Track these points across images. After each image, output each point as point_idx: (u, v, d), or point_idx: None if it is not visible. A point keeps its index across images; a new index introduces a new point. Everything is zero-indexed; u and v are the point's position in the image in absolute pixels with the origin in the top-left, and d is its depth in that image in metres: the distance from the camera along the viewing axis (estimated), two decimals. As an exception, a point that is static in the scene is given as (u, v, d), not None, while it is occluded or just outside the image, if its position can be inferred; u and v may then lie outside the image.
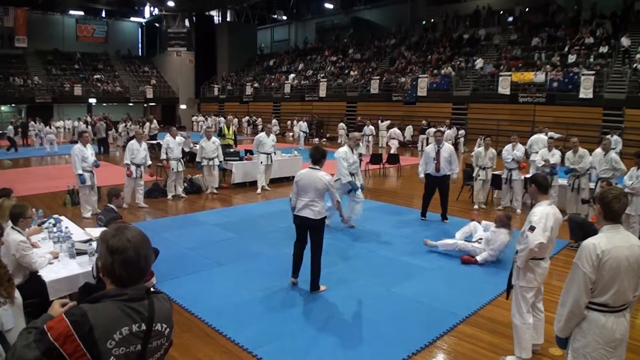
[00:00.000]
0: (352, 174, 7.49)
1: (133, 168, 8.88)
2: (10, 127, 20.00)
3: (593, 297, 2.57)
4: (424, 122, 20.77)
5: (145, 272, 1.58)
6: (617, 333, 2.57)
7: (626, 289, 2.54)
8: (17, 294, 2.92)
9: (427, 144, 19.33)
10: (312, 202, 4.86)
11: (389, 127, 20.87)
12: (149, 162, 9.24)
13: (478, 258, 6.00)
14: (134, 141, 9.12)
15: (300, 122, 22.45)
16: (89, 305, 1.47)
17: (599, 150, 7.99)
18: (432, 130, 19.12)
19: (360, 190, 7.62)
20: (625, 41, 18.44)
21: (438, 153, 7.79)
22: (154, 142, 17.37)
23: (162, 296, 1.65)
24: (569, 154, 8.34)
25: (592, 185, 8.33)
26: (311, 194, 4.85)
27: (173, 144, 9.83)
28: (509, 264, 3.95)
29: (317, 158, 5.00)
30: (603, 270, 2.50)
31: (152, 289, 3.90)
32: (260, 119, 28.11)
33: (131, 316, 1.48)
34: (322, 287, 5.09)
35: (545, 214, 3.50)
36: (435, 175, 7.87)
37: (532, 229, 3.47)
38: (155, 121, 20.94)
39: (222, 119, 30.54)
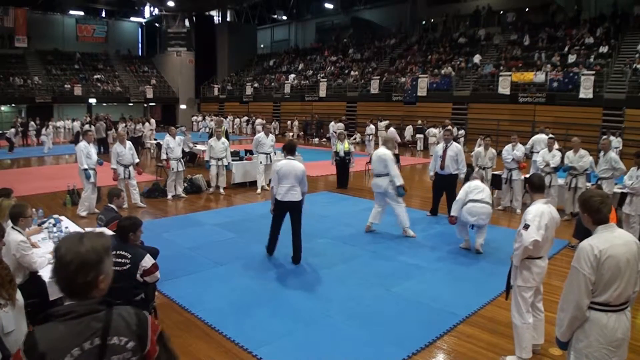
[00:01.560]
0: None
1: (121, 169, 8.88)
2: (12, 129, 20.20)
3: (594, 297, 2.56)
4: (419, 122, 20.74)
5: (92, 283, 1.47)
6: (618, 332, 2.57)
7: (627, 285, 2.55)
8: (19, 295, 2.92)
9: (426, 144, 19.41)
10: (292, 187, 5.66)
11: (387, 127, 20.83)
12: (137, 160, 9.24)
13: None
14: (117, 144, 9.10)
15: (337, 123, 21.40)
16: (40, 328, 1.46)
17: None
18: (433, 130, 19.16)
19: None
20: None
21: (445, 151, 7.94)
22: (154, 141, 17.40)
23: (128, 309, 1.54)
24: (570, 153, 8.36)
25: (589, 185, 8.34)
26: (291, 180, 5.65)
27: (173, 143, 9.84)
28: (508, 264, 3.94)
29: (293, 149, 5.97)
30: (602, 270, 2.50)
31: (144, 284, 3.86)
32: (259, 119, 28.08)
33: (82, 333, 1.42)
34: None
35: (540, 212, 3.51)
36: (441, 173, 8.03)
37: (526, 227, 3.48)
38: (140, 123, 20.70)
39: (194, 118, 30.38)
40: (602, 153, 8.03)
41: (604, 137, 10.45)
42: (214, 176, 10.36)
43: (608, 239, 2.55)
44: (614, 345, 2.56)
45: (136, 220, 3.99)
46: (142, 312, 1.59)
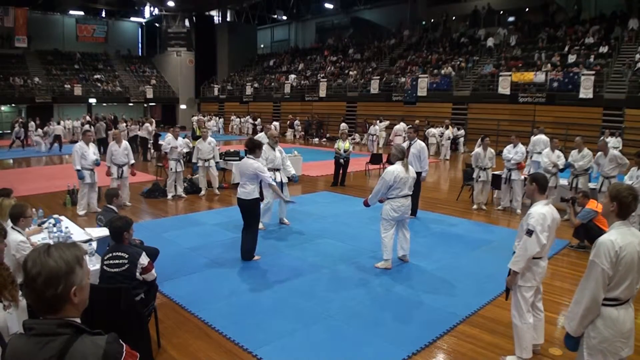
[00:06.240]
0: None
1: (114, 169, 8.86)
2: (17, 129, 20.43)
3: (606, 293, 2.63)
4: (417, 121, 20.74)
5: (63, 296, 1.36)
6: (628, 323, 2.66)
7: (635, 282, 2.63)
8: (21, 296, 2.91)
9: (426, 144, 19.36)
10: (243, 184, 6.20)
11: (387, 128, 20.89)
12: (132, 161, 9.17)
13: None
14: (112, 143, 9.06)
15: (381, 123, 20.85)
16: (15, 337, 1.43)
17: None
18: (433, 130, 19.15)
19: None
20: None
21: (408, 149, 7.84)
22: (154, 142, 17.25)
23: (98, 342, 1.36)
24: (574, 152, 8.43)
25: (591, 185, 8.36)
26: (243, 178, 6.22)
27: (174, 143, 9.83)
28: (508, 263, 3.94)
29: (252, 148, 6.30)
30: (619, 265, 2.56)
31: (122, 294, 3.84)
32: (259, 120, 28.08)
33: (40, 354, 1.33)
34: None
35: (542, 216, 3.50)
36: None
37: (529, 233, 3.47)
38: (139, 124, 20.61)
39: (194, 118, 30.24)
40: (599, 154, 8.01)
41: (600, 138, 10.45)
42: (202, 178, 10.24)
43: (626, 236, 2.61)
44: (625, 336, 2.65)
45: (127, 218, 4.03)
46: (117, 348, 1.39)
